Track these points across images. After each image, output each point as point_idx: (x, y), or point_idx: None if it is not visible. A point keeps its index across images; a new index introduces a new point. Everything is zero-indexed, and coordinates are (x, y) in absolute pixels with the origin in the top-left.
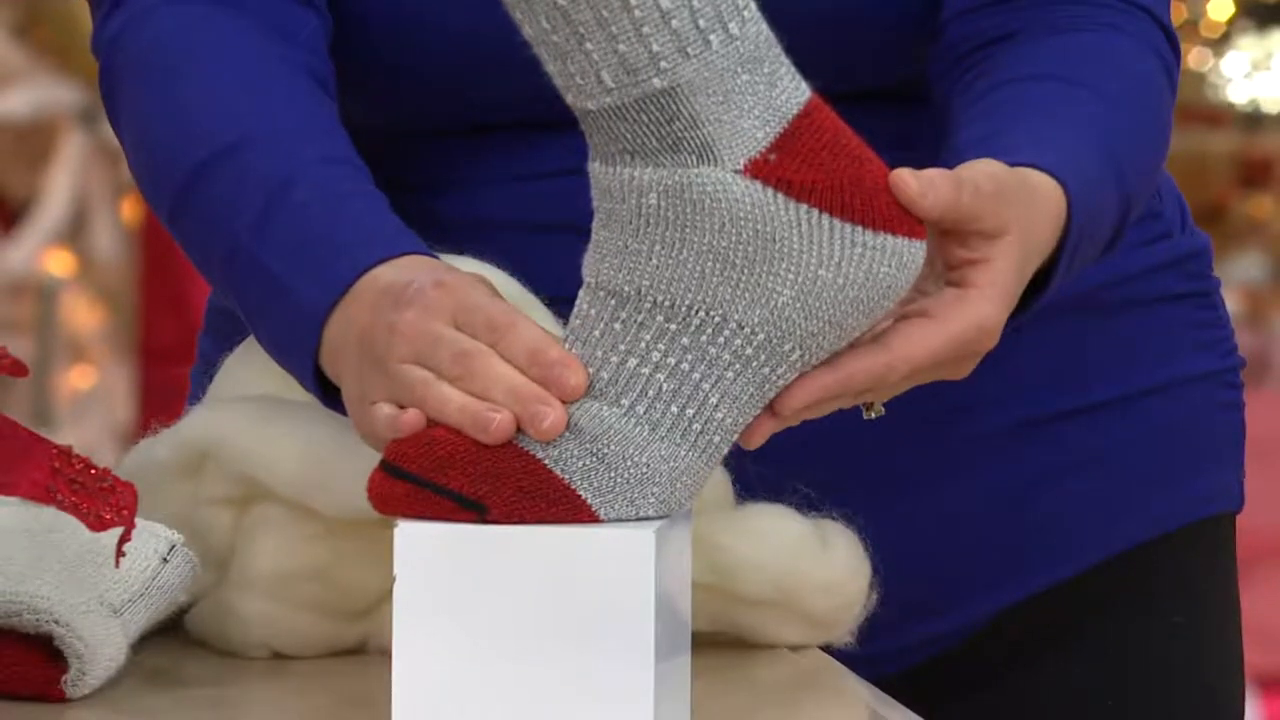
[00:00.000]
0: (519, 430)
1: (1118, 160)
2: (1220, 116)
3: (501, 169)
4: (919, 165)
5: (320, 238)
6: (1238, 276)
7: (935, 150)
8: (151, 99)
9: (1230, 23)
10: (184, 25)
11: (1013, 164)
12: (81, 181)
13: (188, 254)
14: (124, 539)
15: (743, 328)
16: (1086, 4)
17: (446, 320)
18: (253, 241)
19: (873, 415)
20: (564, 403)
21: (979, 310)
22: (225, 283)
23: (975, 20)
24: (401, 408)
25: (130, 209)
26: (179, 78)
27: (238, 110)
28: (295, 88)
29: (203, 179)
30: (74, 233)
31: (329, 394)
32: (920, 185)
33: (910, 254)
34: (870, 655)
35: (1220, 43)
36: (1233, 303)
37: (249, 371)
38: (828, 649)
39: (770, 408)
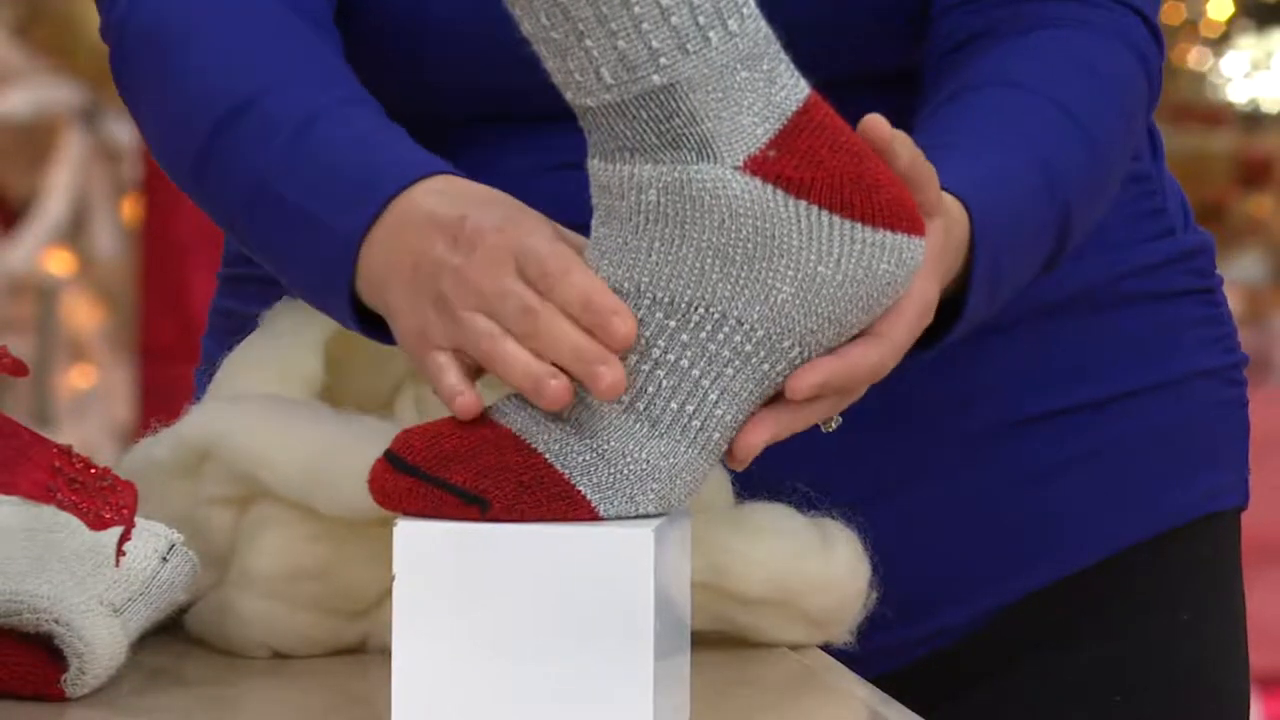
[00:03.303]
0: (522, 423)
1: (1054, 174)
2: (1220, 116)
3: (502, 163)
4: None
5: (349, 166)
6: (1238, 276)
7: None
8: (164, 68)
9: (1230, 22)
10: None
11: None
12: (81, 181)
13: (212, 215)
14: (124, 538)
15: (742, 324)
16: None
17: (510, 269)
18: (278, 180)
19: (832, 427)
20: (616, 352)
21: (923, 289)
22: (250, 231)
23: (959, 16)
24: (464, 361)
25: (130, 209)
26: (190, 44)
27: (252, 66)
28: (306, 39)
29: (221, 134)
30: (74, 233)
31: (368, 324)
32: (893, 131)
33: (910, 250)
34: (870, 654)
35: (1220, 42)
36: (1233, 302)
37: (249, 371)
38: (827, 648)
39: (769, 405)
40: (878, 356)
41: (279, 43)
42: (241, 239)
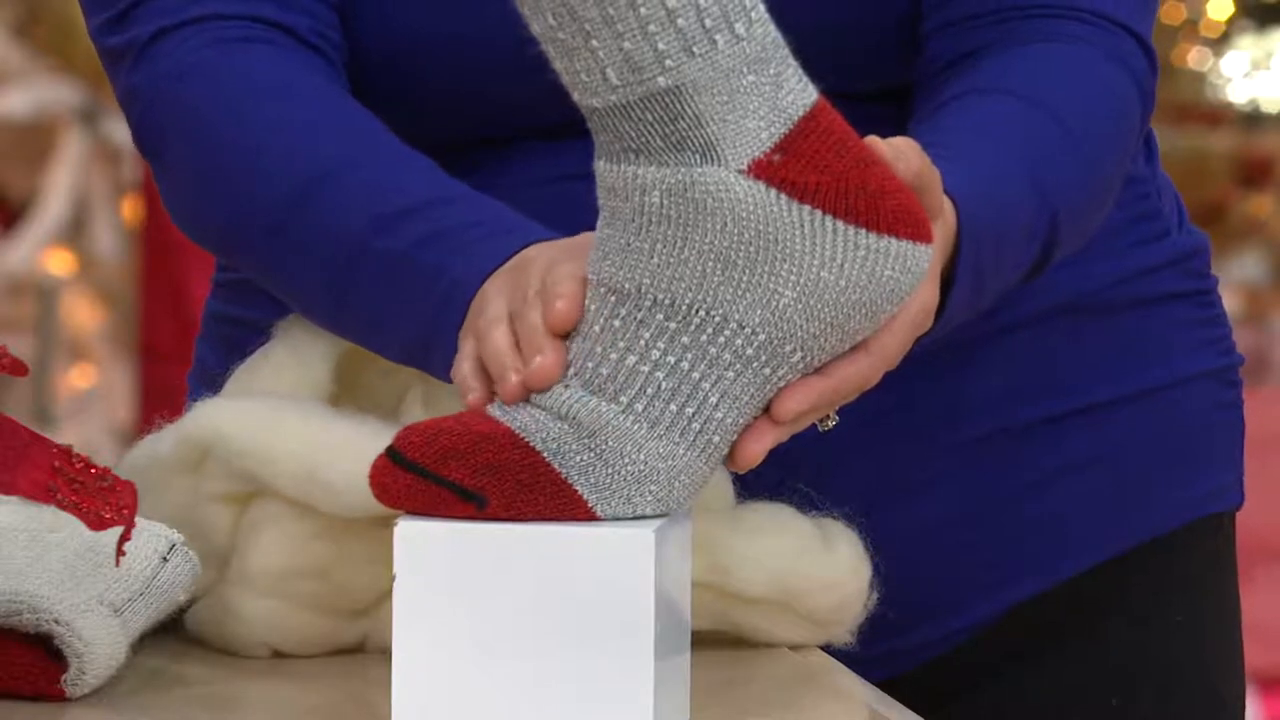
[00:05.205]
0: (522, 421)
1: (1043, 180)
2: (1220, 116)
3: (507, 175)
4: None
5: (464, 225)
6: (1237, 276)
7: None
8: (227, 135)
9: (1230, 22)
10: (244, 68)
11: None
12: (81, 181)
13: (281, 276)
14: (124, 538)
15: (743, 328)
16: (1056, 17)
17: (548, 264)
18: (381, 238)
19: (830, 425)
20: (554, 334)
21: (922, 293)
22: (341, 290)
23: (951, 35)
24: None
25: (130, 209)
26: (251, 112)
27: (328, 136)
28: (367, 116)
29: (310, 197)
30: (74, 233)
31: None
32: (893, 152)
33: (915, 257)
34: (871, 657)
35: (1220, 42)
36: (1232, 302)
37: (260, 380)
38: (828, 649)
39: (768, 414)
40: (866, 371)
41: (339, 114)
42: (326, 299)
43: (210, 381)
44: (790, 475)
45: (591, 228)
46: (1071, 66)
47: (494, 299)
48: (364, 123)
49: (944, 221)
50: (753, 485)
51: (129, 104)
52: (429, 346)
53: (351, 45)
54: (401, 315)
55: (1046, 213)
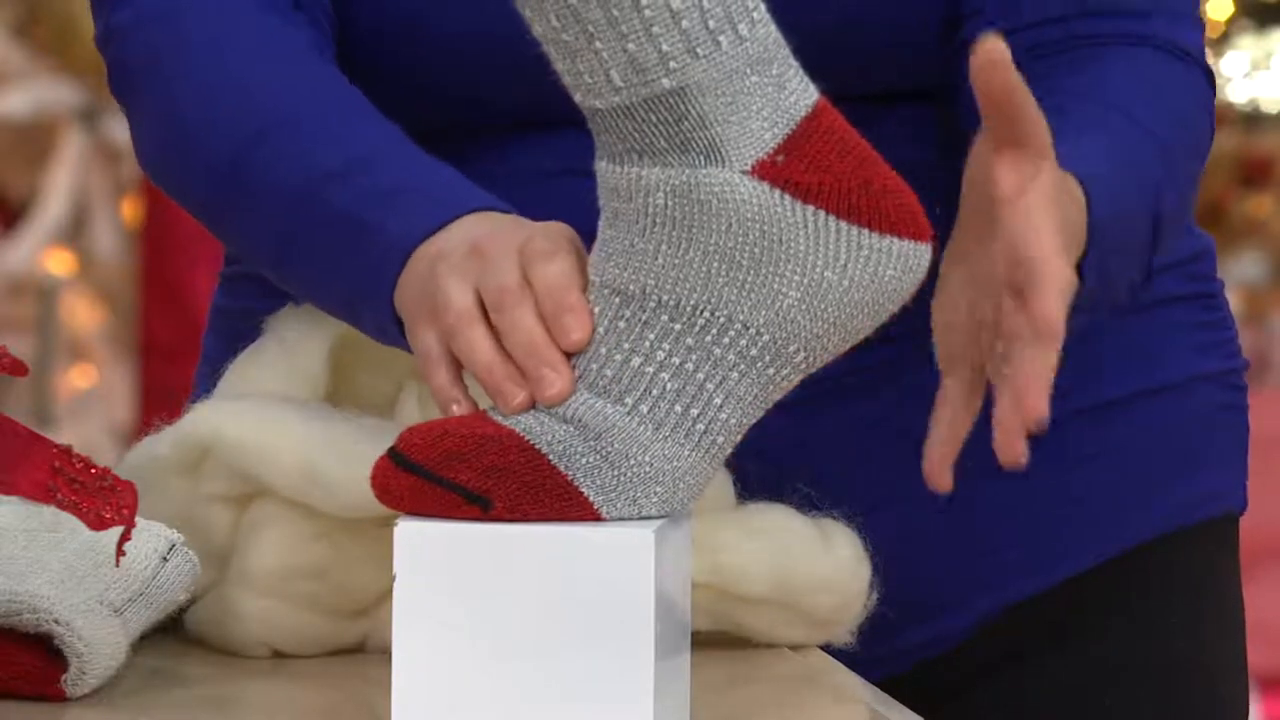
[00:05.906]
0: (526, 423)
1: (1154, 183)
2: (1220, 116)
3: (503, 168)
4: (931, 163)
5: (411, 187)
6: (1238, 276)
7: (948, 148)
8: (194, 78)
9: (1230, 22)
10: (217, 14)
11: None
12: (81, 181)
13: (230, 227)
14: (124, 538)
15: (748, 328)
16: (1124, 44)
17: (516, 248)
18: (330, 191)
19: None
20: (568, 354)
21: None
22: (285, 243)
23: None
24: (448, 349)
25: (130, 209)
26: (223, 60)
27: (289, 87)
28: (336, 75)
29: (264, 143)
30: (74, 233)
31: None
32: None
33: (915, 256)
34: (872, 656)
35: (1220, 42)
36: (1233, 302)
37: (254, 375)
38: (828, 649)
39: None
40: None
41: (309, 70)
42: (272, 248)
43: (215, 376)
44: (790, 476)
45: (589, 225)
46: (1156, 81)
47: (453, 285)
48: (325, 77)
49: (1074, 201)
50: (753, 485)
51: (105, 44)
52: (359, 306)
53: (346, 23)
54: (336, 272)
55: (1153, 228)
